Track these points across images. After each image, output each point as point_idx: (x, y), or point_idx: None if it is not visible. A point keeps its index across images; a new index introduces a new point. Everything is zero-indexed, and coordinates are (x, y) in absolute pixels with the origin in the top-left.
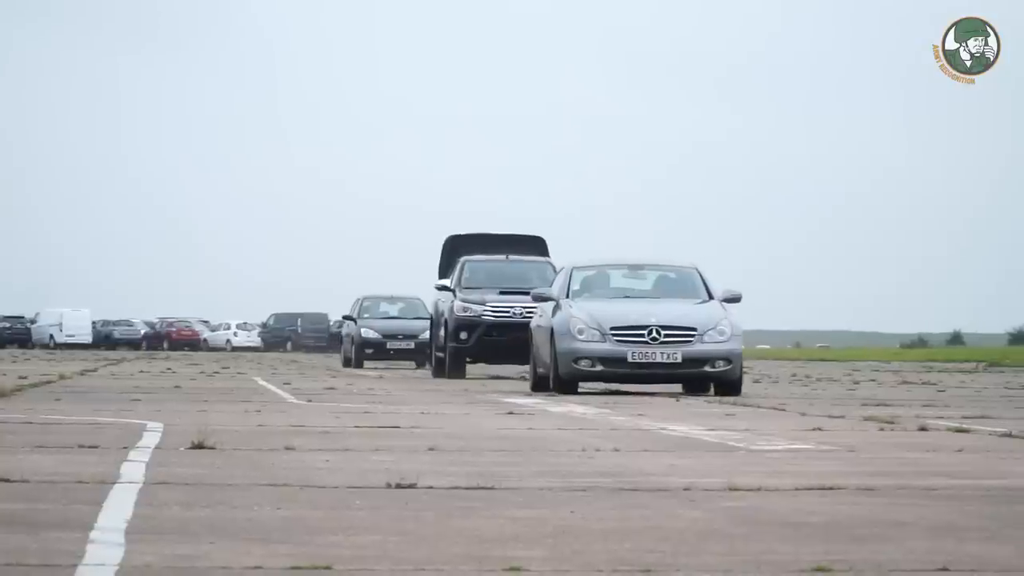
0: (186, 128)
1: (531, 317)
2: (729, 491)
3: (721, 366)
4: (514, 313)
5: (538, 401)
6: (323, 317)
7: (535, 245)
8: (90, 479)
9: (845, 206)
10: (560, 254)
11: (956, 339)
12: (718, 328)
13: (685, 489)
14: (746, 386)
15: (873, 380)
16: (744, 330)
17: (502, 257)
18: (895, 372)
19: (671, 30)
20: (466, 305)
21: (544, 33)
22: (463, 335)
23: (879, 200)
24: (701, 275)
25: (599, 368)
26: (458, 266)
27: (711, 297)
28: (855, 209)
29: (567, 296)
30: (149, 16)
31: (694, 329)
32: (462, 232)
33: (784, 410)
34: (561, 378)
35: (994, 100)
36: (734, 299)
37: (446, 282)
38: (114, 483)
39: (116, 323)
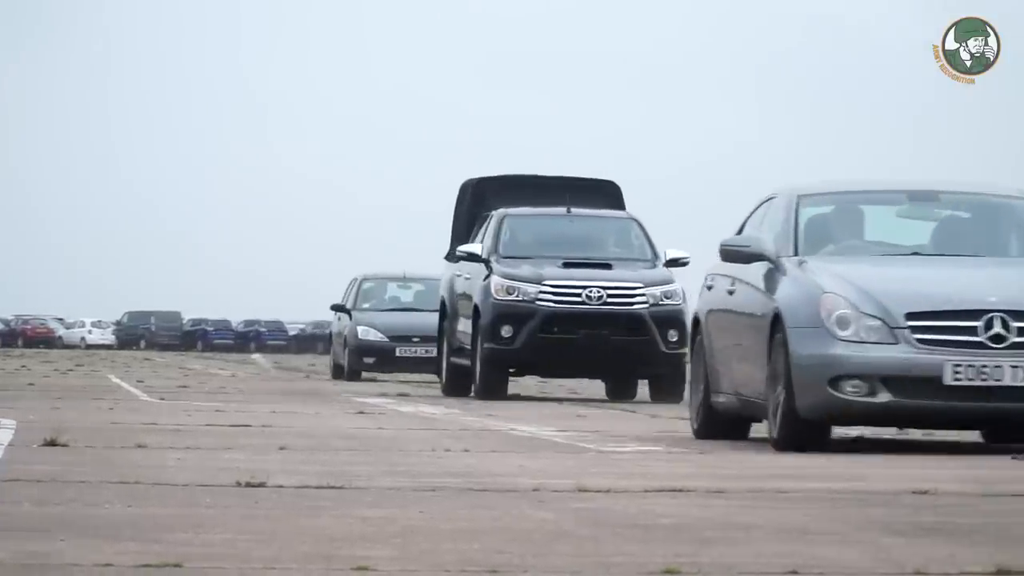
0: (46, 124)
1: (618, 301)
2: (578, 492)
3: None
4: (589, 297)
5: (390, 402)
6: (176, 315)
7: (604, 193)
8: None
9: None
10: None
11: None
12: None
13: (534, 490)
14: (597, 387)
15: None
16: None
17: (561, 210)
18: None
19: (668, 31)
20: (511, 284)
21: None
22: (506, 331)
23: None
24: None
25: (885, 398)
26: (491, 224)
27: None
28: None
29: (794, 252)
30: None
31: None
32: (492, 174)
33: (635, 412)
34: (803, 418)
35: (994, 100)
36: None
37: (473, 248)
38: None
39: None
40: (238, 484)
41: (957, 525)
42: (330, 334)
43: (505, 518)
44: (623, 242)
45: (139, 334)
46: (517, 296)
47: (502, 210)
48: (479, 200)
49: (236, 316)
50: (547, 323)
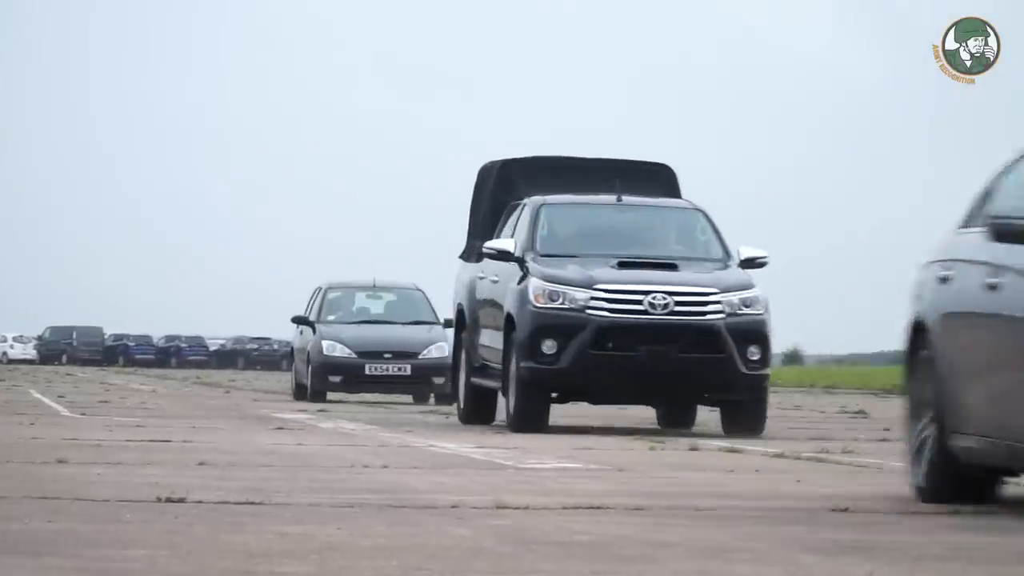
0: None
1: (687, 311)
2: (496, 509)
3: None
4: (652, 305)
5: (310, 418)
6: (98, 331)
7: (658, 180)
8: None
9: (845, 206)
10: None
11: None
12: None
13: (453, 507)
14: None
15: None
16: None
17: (610, 198)
18: None
19: (665, 39)
20: (554, 288)
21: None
22: (548, 346)
23: (876, 200)
24: None
25: None
26: (524, 215)
27: None
28: (852, 209)
29: None
30: None
31: None
32: (520, 156)
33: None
34: None
35: (994, 100)
36: None
37: (503, 244)
38: None
39: None
40: (159, 499)
41: (876, 542)
42: (291, 350)
43: (423, 535)
44: (687, 238)
45: (61, 349)
46: (562, 303)
47: (537, 198)
48: (506, 186)
49: (157, 331)
50: (600, 337)
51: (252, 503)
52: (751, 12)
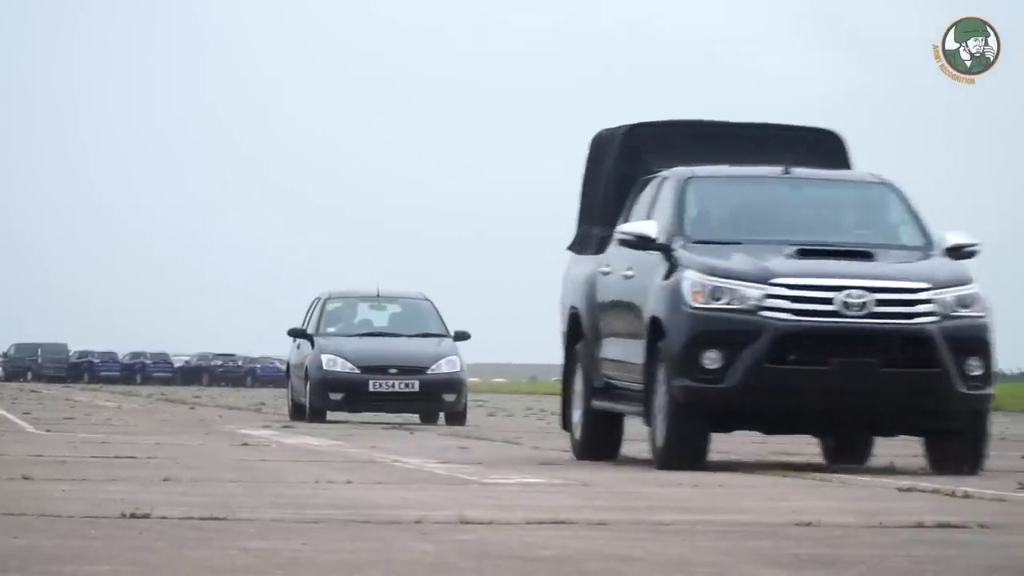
0: None
1: (892, 311)
2: (460, 524)
3: None
4: (847, 304)
5: (274, 434)
6: (63, 347)
7: (822, 150)
8: None
9: None
10: None
11: None
12: None
13: (416, 522)
14: (480, 419)
15: None
16: (481, 363)
17: (776, 170)
18: None
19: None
20: (718, 283)
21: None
22: (711, 359)
23: None
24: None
25: None
26: (664, 191)
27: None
28: None
29: None
30: None
31: None
32: (650, 119)
33: (519, 444)
34: None
35: (994, 100)
36: None
37: (640, 227)
38: None
39: None
40: (123, 515)
41: (839, 556)
42: (288, 366)
43: (387, 550)
44: (877, 220)
45: (26, 366)
46: (729, 302)
47: (682, 168)
48: (631, 157)
49: (122, 348)
50: (781, 346)
51: (217, 519)
52: (746, 14)
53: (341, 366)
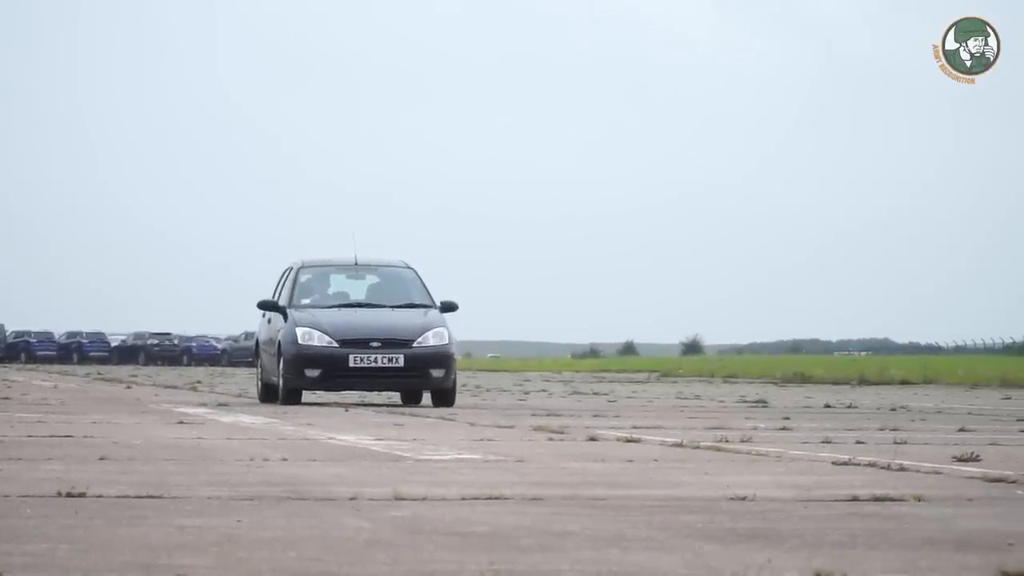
0: None
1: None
2: (395, 500)
3: None
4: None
5: (210, 412)
6: None
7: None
8: None
9: (844, 205)
10: None
11: (629, 349)
12: None
13: (351, 498)
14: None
15: (544, 390)
16: None
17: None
18: (566, 382)
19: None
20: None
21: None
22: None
23: (875, 199)
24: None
25: None
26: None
27: None
28: (851, 208)
29: None
30: None
31: None
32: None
33: (453, 420)
34: None
35: (994, 100)
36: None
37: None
38: None
39: None
40: (59, 494)
41: (775, 531)
42: (256, 343)
43: (322, 526)
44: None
45: None
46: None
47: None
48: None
49: (59, 328)
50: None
51: (152, 497)
52: (746, 15)
53: (318, 340)
